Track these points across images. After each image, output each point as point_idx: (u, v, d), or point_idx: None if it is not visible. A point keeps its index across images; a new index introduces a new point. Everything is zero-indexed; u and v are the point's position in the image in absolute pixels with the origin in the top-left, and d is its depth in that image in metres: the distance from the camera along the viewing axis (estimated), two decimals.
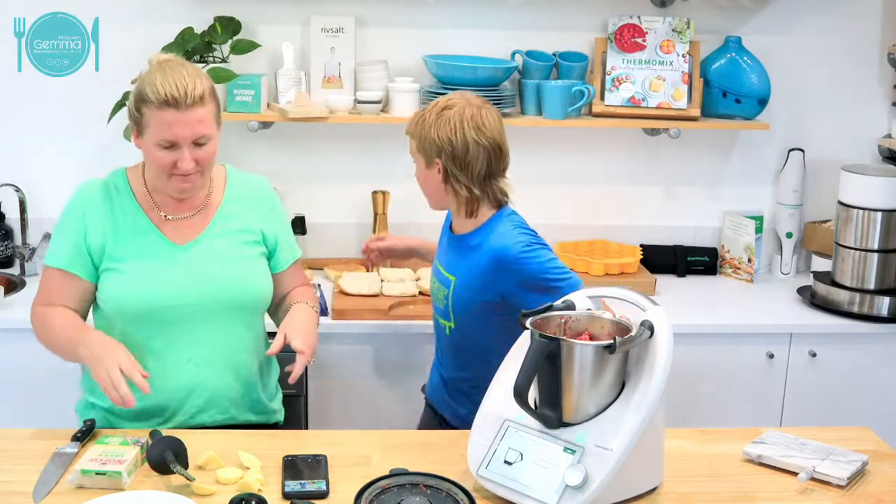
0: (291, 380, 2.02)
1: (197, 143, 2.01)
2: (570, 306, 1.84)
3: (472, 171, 2.17)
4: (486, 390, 1.85)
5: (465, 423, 1.93)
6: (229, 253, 2.12)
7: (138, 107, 2.00)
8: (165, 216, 2.11)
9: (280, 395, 2.31)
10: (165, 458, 1.77)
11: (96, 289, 2.11)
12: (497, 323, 2.14)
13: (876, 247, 3.03)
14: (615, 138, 3.36)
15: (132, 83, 2.94)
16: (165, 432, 1.89)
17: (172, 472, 1.77)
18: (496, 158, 2.19)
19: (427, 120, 2.19)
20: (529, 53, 3.19)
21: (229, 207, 2.16)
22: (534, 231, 2.22)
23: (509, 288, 2.13)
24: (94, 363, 1.92)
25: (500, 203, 2.24)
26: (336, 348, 2.79)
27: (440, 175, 2.20)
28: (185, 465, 1.79)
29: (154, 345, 2.07)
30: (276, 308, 2.28)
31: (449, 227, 2.34)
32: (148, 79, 2.01)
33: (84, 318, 2.14)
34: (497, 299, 2.15)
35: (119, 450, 1.81)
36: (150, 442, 1.85)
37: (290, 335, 2.05)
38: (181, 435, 1.86)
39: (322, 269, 3.21)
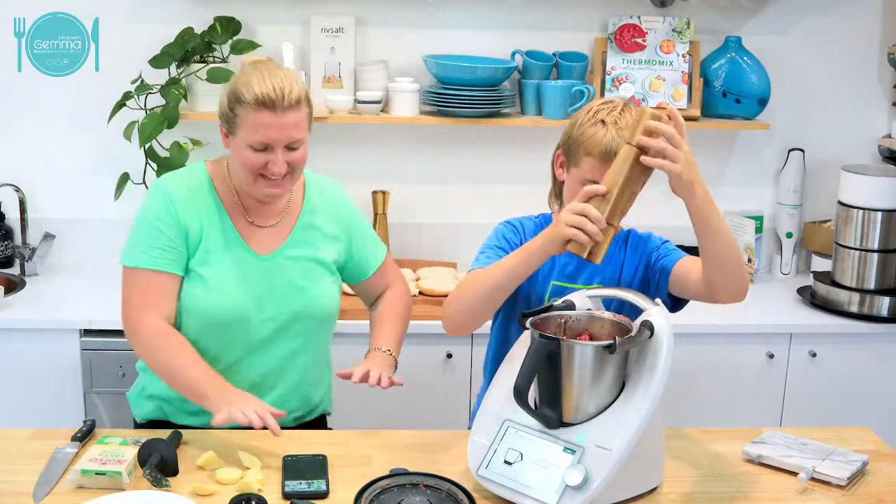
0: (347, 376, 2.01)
1: (289, 147, 1.97)
2: (570, 306, 1.84)
3: None
4: None
5: None
6: (306, 266, 2.09)
7: (232, 107, 1.96)
8: (252, 222, 2.07)
9: (329, 395, 2.32)
10: (150, 461, 1.77)
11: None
12: None
13: (876, 247, 3.03)
14: None
15: (134, 84, 2.99)
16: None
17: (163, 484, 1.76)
18: None
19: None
20: (529, 53, 3.19)
21: (309, 217, 2.12)
22: None
23: (648, 257, 2.14)
24: (228, 406, 1.87)
25: None
26: (336, 348, 2.78)
27: None
28: (175, 470, 1.79)
29: (226, 356, 2.06)
30: (372, 309, 2.30)
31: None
32: (243, 79, 1.96)
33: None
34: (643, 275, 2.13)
35: (119, 450, 1.81)
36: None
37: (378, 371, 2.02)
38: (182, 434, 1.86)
39: None
